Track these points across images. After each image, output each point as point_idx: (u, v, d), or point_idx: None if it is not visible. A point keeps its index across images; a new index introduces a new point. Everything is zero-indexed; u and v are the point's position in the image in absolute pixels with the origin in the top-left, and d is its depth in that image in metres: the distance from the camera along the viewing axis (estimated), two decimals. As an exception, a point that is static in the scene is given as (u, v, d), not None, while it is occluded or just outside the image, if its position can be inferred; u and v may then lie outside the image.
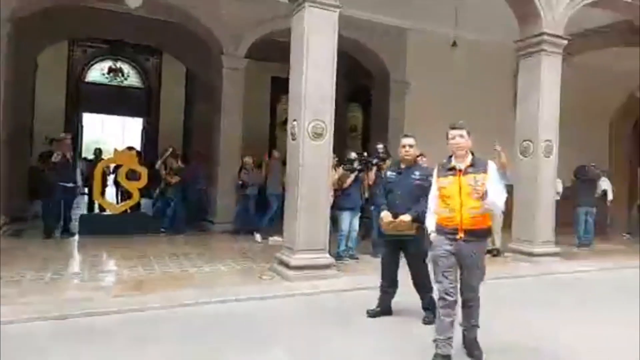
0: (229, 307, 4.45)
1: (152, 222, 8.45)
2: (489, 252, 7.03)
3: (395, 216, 4.05)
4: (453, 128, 3.32)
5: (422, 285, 4.20)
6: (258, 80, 12.95)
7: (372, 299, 4.35)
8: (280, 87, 14.75)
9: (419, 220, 3.88)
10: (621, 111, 12.99)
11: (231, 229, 8.76)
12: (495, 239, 7.12)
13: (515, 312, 4.58)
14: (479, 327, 3.36)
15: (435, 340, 3.20)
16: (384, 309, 4.30)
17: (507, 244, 7.24)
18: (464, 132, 3.29)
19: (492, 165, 3.30)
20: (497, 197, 3.18)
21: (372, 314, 4.26)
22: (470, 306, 3.33)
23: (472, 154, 3.33)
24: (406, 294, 4.28)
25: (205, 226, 9.22)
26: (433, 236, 3.39)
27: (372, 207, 5.97)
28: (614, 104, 12.95)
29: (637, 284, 5.68)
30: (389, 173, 4.35)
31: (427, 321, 4.01)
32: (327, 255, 5.60)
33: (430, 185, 3.82)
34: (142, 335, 3.66)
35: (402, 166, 4.24)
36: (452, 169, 3.29)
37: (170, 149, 9.54)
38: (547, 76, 6.84)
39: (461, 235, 3.18)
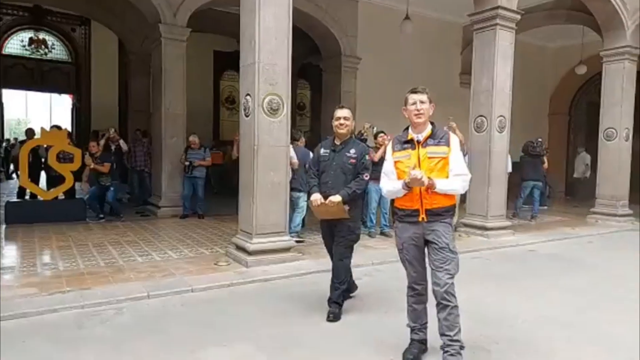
0: (183, 298, 4.09)
1: (89, 209, 7.74)
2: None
3: (326, 198, 3.62)
4: (413, 92, 2.87)
5: (337, 274, 3.73)
6: (199, 54, 12.22)
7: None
8: (223, 61, 14.13)
9: (351, 201, 3.59)
10: (560, 87, 13.57)
11: (178, 213, 8.24)
12: (455, 216, 7.07)
13: (470, 285, 4.56)
14: (463, 347, 2.76)
15: (410, 327, 3.01)
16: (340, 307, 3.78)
17: (461, 219, 7.30)
18: (425, 97, 2.84)
19: (454, 138, 2.87)
20: (460, 177, 2.79)
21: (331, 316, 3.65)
22: (447, 306, 2.74)
23: (433, 124, 2.90)
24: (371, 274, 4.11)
25: (150, 211, 8.62)
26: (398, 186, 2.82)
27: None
28: (553, 80, 13.50)
29: (583, 254, 6.03)
30: (322, 151, 3.81)
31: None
32: (287, 237, 5.33)
33: (365, 164, 3.68)
34: (82, 337, 3.22)
35: (337, 142, 3.74)
36: (410, 141, 2.86)
37: (112, 130, 8.88)
38: (502, 51, 6.83)
39: (423, 216, 2.79)
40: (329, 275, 3.85)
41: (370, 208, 6.89)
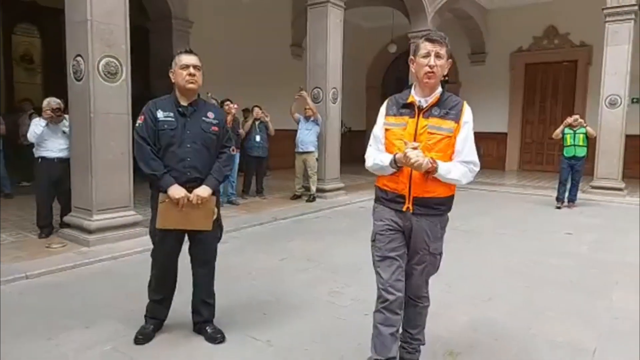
0: (19, 286, 3.61)
1: None
2: (297, 196, 7.48)
3: (189, 188, 2.53)
4: (430, 40, 2.07)
5: (207, 290, 2.81)
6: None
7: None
8: (15, 12, 11.89)
9: (217, 190, 2.69)
10: (374, 63, 15.14)
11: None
12: (311, 185, 7.45)
13: (319, 240, 5.07)
14: (423, 344, 2.39)
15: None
16: (157, 325, 2.80)
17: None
18: (444, 51, 2.07)
19: (469, 112, 2.12)
20: (468, 165, 2.09)
21: (144, 339, 2.70)
22: (416, 305, 2.30)
23: (443, 87, 2.16)
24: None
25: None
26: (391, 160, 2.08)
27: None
28: (369, 57, 14.98)
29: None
30: (160, 114, 2.56)
31: (218, 339, 2.70)
32: (134, 212, 5.03)
33: (229, 133, 2.80)
34: None
35: (184, 103, 2.63)
36: (410, 105, 2.13)
37: None
38: (333, 27, 7.37)
39: (409, 205, 2.10)
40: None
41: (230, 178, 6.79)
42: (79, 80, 4.65)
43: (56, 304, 3.31)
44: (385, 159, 2.10)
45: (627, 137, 8.46)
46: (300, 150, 7.30)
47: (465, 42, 13.03)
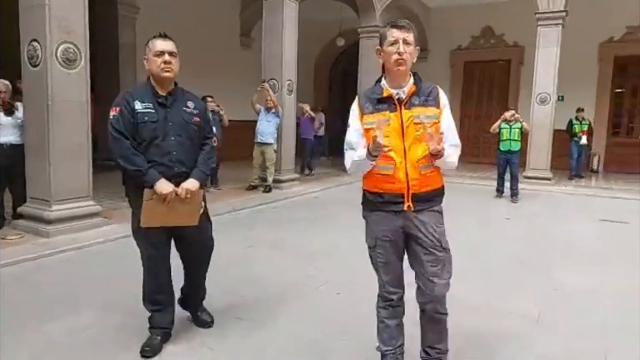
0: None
1: None
2: (253, 187, 7.56)
3: (175, 183, 2.39)
4: (395, 26, 2.00)
5: (200, 285, 2.79)
6: None
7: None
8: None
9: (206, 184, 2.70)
10: (322, 56, 15.36)
11: None
12: (268, 176, 7.51)
13: (279, 229, 5.26)
14: (448, 350, 2.22)
15: (381, 351, 2.23)
16: (164, 336, 2.57)
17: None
18: (411, 37, 1.99)
19: (443, 95, 2.09)
20: (457, 148, 2.10)
21: (151, 350, 2.47)
22: (438, 319, 2.13)
23: (415, 74, 2.09)
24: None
25: None
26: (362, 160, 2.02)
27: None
28: (317, 50, 15.16)
29: (354, 197, 7.22)
30: (138, 105, 2.38)
31: (208, 324, 2.78)
32: (93, 202, 4.94)
33: (210, 124, 2.64)
34: None
35: (162, 92, 2.46)
36: (387, 99, 2.03)
37: None
38: (289, 20, 7.49)
39: (409, 204, 2.02)
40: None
41: None
42: (34, 66, 4.49)
43: (30, 293, 3.28)
44: (360, 153, 2.01)
45: (555, 131, 9.33)
46: (260, 140, 7.39)
47: (409, 39, 13.55)
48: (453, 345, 2.27)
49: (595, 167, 11.48)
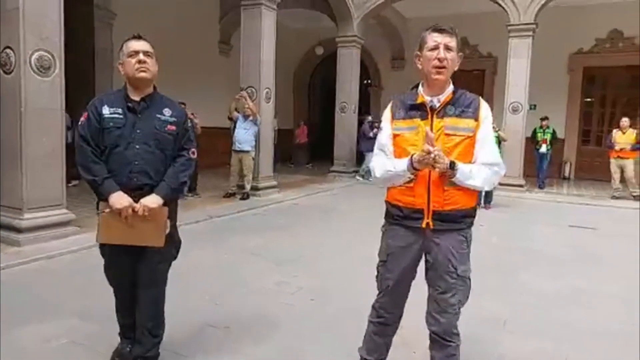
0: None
1: None
2: (230, 194, 7.52)
3: (136, 197, 2.15)
4: (437, 30, 1.88)
5: (155, 315, 2.35)
6: None
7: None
8: None
9: (172, 199, 2.29)
10: (301, 64, 15.47)
11: None
12: (246, 183, 7.51)
13: (261, 235, 5.31)
14: None
15: (362, 356, 2.19)
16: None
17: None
18: (454, 43, 1.87)
19: (486, 108, 1.92)
20: (492, 168, 1.88)
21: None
22: (448, 346, 1.96)
23: (454, 84, 1.94)
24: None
25: None
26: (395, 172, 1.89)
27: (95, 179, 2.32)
28: (296, 58, 15.26)
29: (333, 202, 7.44)
30: (106, 110, 2.20)
31: None
32: (65, 211, 4.89)
33: (190, 134, 2.37)
34: None
35: (135, 98, 2.25)
36: (420, 106, 1.91)
37: None
38: (267, 28, 7.56)
39: (428, 221, 1.87)
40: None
41: None
42: (8, 73, 4.44)
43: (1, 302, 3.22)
44: (400, 164, 1.85)
45: (527, 139, 9.59)
46: (237, 148, 7.40)
47: (387, 48, 13.80)
48: (420, 348, 2.34)
49: (567, 174, 11.82)
